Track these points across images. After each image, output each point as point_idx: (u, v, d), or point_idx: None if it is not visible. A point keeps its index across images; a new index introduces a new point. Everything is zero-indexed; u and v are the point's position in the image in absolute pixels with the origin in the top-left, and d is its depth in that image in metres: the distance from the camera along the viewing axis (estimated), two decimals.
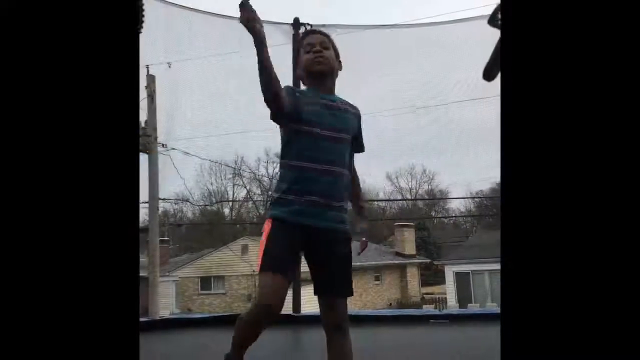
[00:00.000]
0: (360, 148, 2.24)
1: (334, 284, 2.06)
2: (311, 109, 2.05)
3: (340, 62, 2.21)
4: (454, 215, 40.66)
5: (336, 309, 2.03)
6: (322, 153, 2.02)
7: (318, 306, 2.05)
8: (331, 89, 2.16)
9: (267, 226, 2.03)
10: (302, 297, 5.70)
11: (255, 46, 1.89)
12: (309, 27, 5.66)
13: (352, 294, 2.08)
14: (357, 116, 2.20)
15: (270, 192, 23.50)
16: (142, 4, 2.89)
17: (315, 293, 2.05)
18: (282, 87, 1.98)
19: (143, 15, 2.86)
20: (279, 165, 2.18)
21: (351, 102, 2.21)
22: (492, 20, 1.85)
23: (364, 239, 2.29)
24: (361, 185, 2.32)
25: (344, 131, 2.09)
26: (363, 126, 2.24)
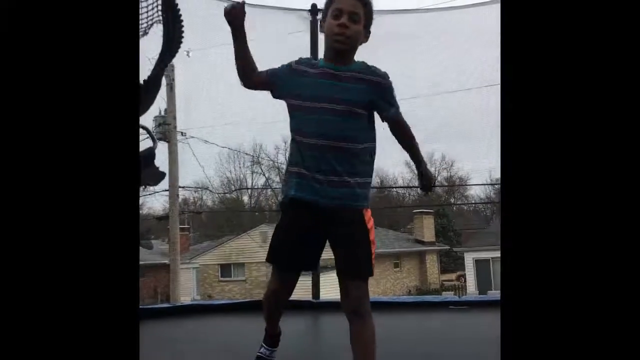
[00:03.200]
0: (387, 113, 2.01)
1: (344, 266, 1.90)
2: (307, 82, 1.96)
3: (369, 32, 2.03)
4: (473, 202, 40.39)
5: (349, 292, 1.88)
6: (313, 126, 1.92)
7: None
8: (348, 61, 1.99)
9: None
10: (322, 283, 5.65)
11: (237, 39, 2.02)
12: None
13: (364, 276, 1.89)
14: (377, 84, 1.98)
15: None
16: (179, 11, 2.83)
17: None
18: (264, 70, 2.07)
19: (181, 19, 2.83)
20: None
21: (379, 70, 2.03)
22: None
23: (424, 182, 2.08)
24: (417, 149, 2.15)
25: (345, 102, 1.92)
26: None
